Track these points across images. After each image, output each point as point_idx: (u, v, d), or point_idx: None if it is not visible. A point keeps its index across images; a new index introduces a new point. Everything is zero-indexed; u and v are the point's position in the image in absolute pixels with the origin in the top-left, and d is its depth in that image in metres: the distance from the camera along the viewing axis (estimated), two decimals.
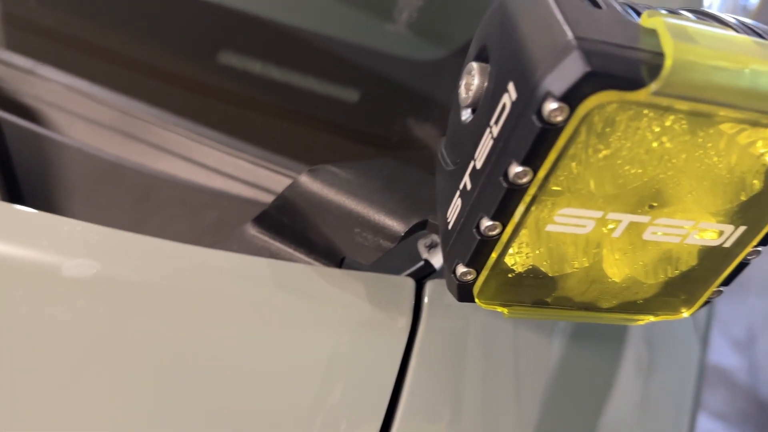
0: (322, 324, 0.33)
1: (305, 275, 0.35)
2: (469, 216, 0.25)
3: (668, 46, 0.20)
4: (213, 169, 0.48)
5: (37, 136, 0.48)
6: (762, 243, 0.27)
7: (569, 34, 0.21)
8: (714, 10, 0.27)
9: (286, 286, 0.34)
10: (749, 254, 0.28)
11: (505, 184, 0.23)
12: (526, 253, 0.26)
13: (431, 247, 0.37)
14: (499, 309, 0.28)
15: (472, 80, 0.26)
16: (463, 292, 0.27)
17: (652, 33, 0.22)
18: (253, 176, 0.47)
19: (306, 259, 0.36)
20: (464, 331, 0.36)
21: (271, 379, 0.31)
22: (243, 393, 0.30)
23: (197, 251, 0.34)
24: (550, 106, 0.21)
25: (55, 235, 0.32)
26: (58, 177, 0.46)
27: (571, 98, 0.21)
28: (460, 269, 0.26)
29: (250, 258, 0.34)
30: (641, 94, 0.21)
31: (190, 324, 0.31)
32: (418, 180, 0.38)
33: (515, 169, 0.23)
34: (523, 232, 0.25)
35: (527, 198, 0.23)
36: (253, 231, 0.37)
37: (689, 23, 0.22)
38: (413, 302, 0.35)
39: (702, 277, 0.29)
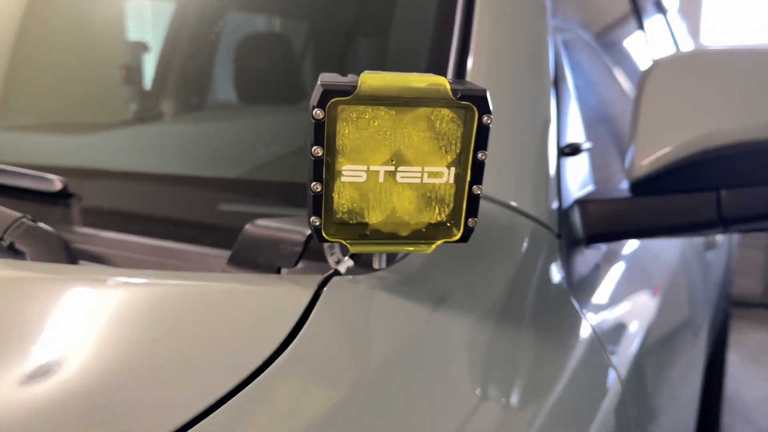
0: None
1: (247, 279, 0.57)
2: (308, 185, 0.49)
3: (362, 76, 0.46)
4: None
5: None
6: (475, 181, 0.49)
7: (320, 82, 0.46)
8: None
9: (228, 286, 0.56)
10: (473, 189, 0.49)
11: (312, 158, 0.47)
12: (342, 202, 0.49)
13: (333, 253, 0.58)
14: (342, 242, 0.50)
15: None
16: (318, 234, 0.49)
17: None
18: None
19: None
20: (349, 306, 0.55)
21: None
22: None
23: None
24: (314, 111, 0.46)
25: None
26: None
27: (321, 104, 0.45)
28: (311, 219, 0.49)
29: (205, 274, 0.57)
30: (350, 99, 0.45)
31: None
32: None
33: (312, 148, 0.47)
34: (334, 186, 0.48)
35: (325, 164, 0.47)
36: (227, 267, 0.60)
37: (385, 73, 0.48)
38: (315, 289, 0.55)
39: (453, 206, 0.50)
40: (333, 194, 0.48)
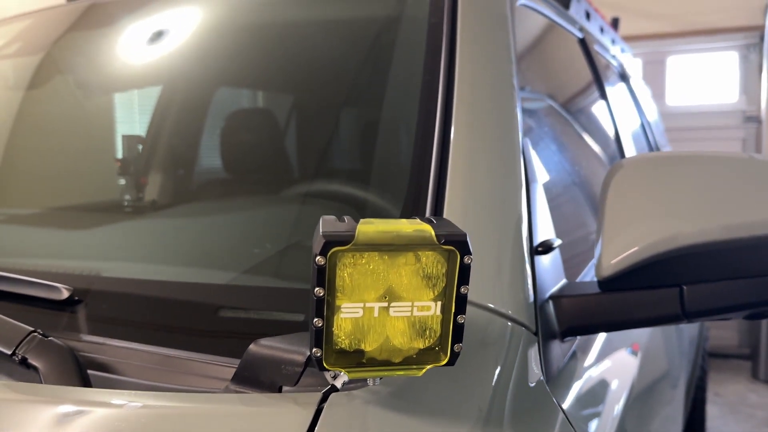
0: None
1: (251, 400, 0.62)
2: (310, 321, 0.55)
3: (359, 227, 0.52)
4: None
5: (111, 379, 0.78)
6: (459, 311, 0.56)
7: (320, 232, 0.53)
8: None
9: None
10: (457, 318, 0.56)
11: (314, 298, 0.53)
12: (341, 335, 0.55)
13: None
14: (341, 370, 0.55)
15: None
16: (319, 364, 0.55)
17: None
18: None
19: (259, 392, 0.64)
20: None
21: None
22: None
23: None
24: (317, 258, 0.52)
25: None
26: None
27: (323, 252, 0.52)
28: (313, 350, 0.55)
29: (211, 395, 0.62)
30: (349, 246, 0.52)
31: None
32: None
33: (315, 290, 0.53)
34: (333, 321, 0.54)
35: (327, 303, 0.53)
36: (231, 386, 0.65)
37: (377, 220, 0.54)
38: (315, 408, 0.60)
39: (442, 335, 0.56)
40: (333, 328, 0.54)
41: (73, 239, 1.16)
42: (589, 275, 1.19)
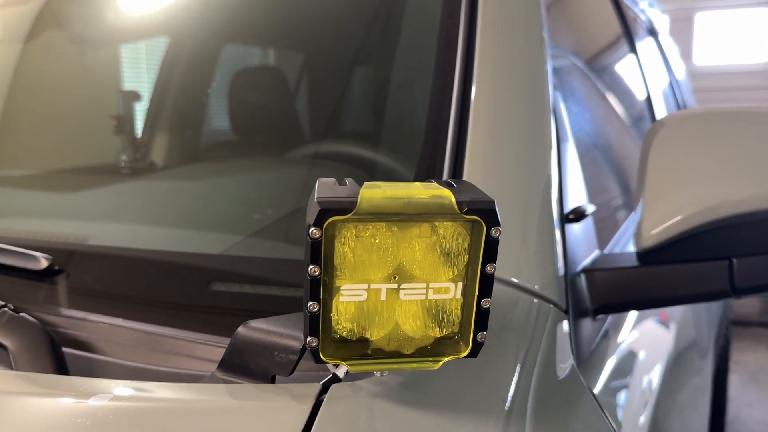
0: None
1: (241, 392, 0.53)
2: (304, 305, 0.45)
3: (362, 191, 0.43)
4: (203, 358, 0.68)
5: (90, 359, 0.70)
6: (484, 294, 0.46)
7: (315, 197, 0.43)
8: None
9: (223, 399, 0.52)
10: (481, 302, 0.46)
11: (308, 278, 0.44)
12: (342, 321, 0.46)
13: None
14: (342, 363, 0.46)
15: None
16: (315, 356, 0.46)
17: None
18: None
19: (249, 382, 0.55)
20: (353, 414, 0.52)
21: None
22: None
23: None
24: (311, 229, 0.42)
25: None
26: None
27: (318, 223, 0.42)
28: (308, 339, 0.46)
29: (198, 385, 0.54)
30: (350, 216, 0.42)
31: None
32: None
33: (309, 267, 0.43)
34: (332, 305, 0.45)
35: (323, 283, 0.44)
36: (218, 373, 0.57)
37: (385, 184, 0.45)
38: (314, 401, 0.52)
39: (462, 322, 0.47)
40: (331, 314, 0.45)
41: (61, 202, 1.07)
42: (620, 245, 1.09)
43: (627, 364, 0.94)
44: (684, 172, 0.79)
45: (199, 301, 0.75)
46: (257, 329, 0.55)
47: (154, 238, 0.88)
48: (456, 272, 0.45)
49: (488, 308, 0.47)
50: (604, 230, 1.01)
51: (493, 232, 0.44)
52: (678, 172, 0.79)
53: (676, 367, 1.19)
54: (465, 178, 0.76)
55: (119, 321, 0.73)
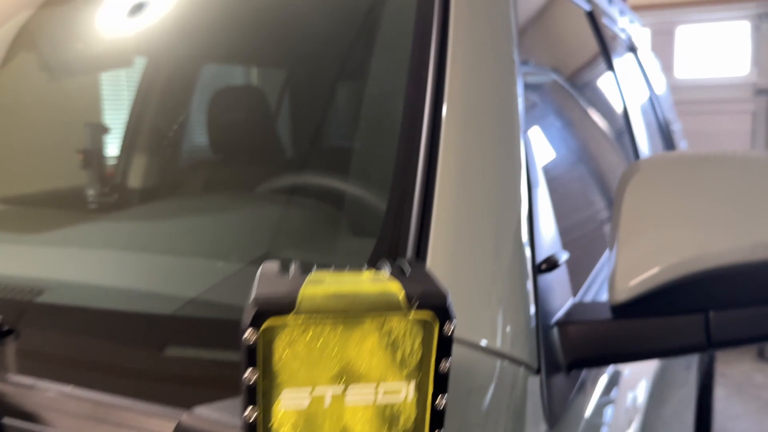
0: None
1: None
2: (240, 411, 0.42)
3: (302, 289, 0.39)
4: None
5: None
6: (438, 391, 0.43)
7: (254, 294, 0.40)
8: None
9: None
10: (436, 402, 0.43)
11: (245, 384, 0.40)
12: (283, 430, 0.42)
13: None
14: None
15: None
16: None
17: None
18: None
19: None
20: None
21: None
22: None
23: None
24: (246, 332, 0.39)
25: None
26: None
27: (254, 325, 0.39)
28: None
29: None
30: (289, 316, 0.39)
31: None
32: None
33: (245, 373, 0.40)
34: (272, 413, 0.41)
35: (262, 389, 0.40)
36: None
37: (330, 275, 0.41)
38: None
39: (416, 422, 0.44)
40: (271, 423, 0.41)
41: (19, 247, 1.03)
42: (595, 287, 1.06)
43: (606, 417, 0.91)
44: (659, 219, 0.76)
45: (152, 368, 0.71)
46: (200, 419, 0.51)
47: (109, 294, 0.84)
48: (408, 371, 0.42)
49: (444, 407, 0.43)
50: (579, 273, 0.99)
51: (446, 327, 0.41)
52: (653, 219, 0.77)
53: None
54: (433, 221, 0.73)
55: (69, 389, 0.69)
